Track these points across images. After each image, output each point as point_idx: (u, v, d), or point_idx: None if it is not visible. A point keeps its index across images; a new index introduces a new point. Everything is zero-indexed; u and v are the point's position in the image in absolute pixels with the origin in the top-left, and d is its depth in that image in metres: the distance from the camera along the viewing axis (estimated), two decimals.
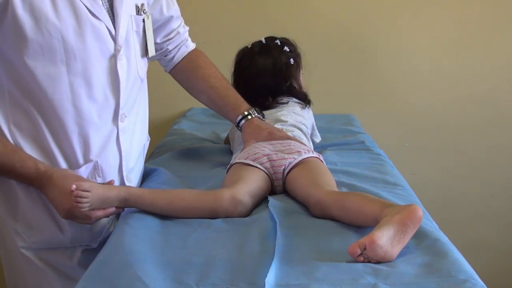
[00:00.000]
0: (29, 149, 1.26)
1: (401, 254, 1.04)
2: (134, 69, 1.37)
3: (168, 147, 1.83)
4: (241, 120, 1.54)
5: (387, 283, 0.93)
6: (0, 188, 1.31)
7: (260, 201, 1.33)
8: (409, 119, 2.38)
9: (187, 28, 1.60)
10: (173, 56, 1.59)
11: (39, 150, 1.27)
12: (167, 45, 1.56)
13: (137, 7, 1.38)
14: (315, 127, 1.75)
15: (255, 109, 1.57)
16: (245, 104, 1.58)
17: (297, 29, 2.28)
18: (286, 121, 1.63)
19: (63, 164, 1.29)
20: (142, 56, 1.42)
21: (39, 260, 1.34)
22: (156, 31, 1.50)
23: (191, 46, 1.62)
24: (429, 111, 2.37)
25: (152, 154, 1.81)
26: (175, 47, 1.58)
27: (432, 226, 1.17)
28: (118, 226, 1.22)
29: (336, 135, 1.93)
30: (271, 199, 1.31)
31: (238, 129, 1.56)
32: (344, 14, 2.31)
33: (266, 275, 0.94)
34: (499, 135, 2.40)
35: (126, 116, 1.35)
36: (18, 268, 1.36)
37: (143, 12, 1.40)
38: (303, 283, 0.95)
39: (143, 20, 1.40)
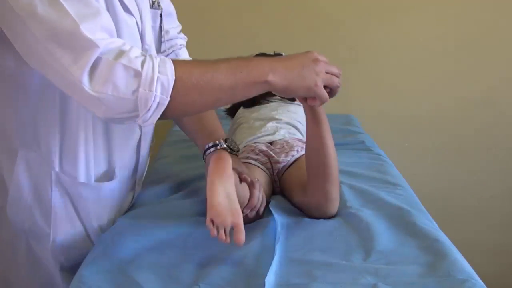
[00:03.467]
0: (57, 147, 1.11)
1: (401, 254, 1.04)
2: None
3: (169, 147, 1.83)
4: (210, 148, 1.25)
5: (387, 283, 0.93)
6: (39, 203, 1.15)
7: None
8: (409, 119, 2.38)
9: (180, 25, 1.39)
10: None
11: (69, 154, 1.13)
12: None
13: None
14: None
15: (231, 140, 1.27)
16: (220, 132, 1.30)
17: (297, 29, 2.29)
18: (281, 119, 1.63)
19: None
20: (156, 54, 1.24)
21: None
22: None
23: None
24: (429, 111, 2.37)
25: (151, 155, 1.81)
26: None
27: (432, 226, 1.17)
28: (117, 223, 1.21)
29: (336, 135, 1.91)
30: (271, 199, 1.31)
31: (203, 159, 1.27)
32: (344, 13, 2.31)
33: (266, 275, 0.95)
34: (499, 135, 2.40)
35: None
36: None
37: (158, 5, 1.24)
38: (303, 282, 0.95)
39: (160, 15, 1.25)
